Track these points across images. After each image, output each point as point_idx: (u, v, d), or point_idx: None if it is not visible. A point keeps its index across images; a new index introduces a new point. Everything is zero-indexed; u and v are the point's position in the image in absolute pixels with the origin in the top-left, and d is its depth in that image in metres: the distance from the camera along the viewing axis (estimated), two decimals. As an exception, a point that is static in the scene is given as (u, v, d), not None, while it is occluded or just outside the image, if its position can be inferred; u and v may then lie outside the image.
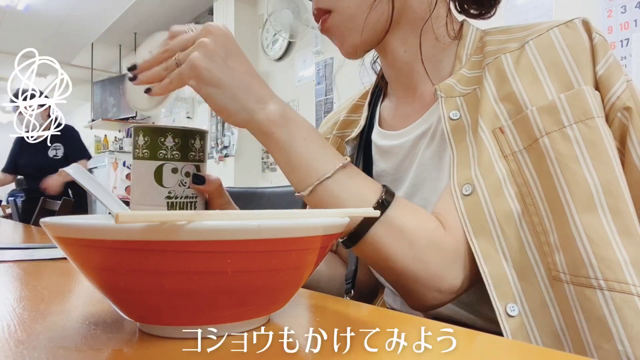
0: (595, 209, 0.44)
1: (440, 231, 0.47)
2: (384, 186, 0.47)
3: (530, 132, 0.48)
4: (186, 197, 0.47)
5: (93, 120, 5.54)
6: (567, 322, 0.45)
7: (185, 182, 0.47)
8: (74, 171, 0.36)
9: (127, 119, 5.36)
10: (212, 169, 4.17)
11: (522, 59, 0.51)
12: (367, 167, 0.65)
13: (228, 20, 3.92)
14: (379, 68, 0.69)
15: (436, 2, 0.57)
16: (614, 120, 0.48)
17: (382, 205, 0.45)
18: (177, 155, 0.47)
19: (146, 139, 0.46)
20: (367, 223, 0.45)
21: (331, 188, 0.45)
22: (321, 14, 0.57)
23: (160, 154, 0.46)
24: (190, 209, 0.48)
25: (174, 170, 0.46)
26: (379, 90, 0.70)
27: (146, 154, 0.46)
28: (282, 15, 3.30)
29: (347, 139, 0.67)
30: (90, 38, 5.42)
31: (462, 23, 0.61)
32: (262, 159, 4.03)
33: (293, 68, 3.62)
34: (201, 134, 0.48)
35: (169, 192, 0.46)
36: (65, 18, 4.81)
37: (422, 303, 0.48)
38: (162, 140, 0.46)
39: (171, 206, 0.47)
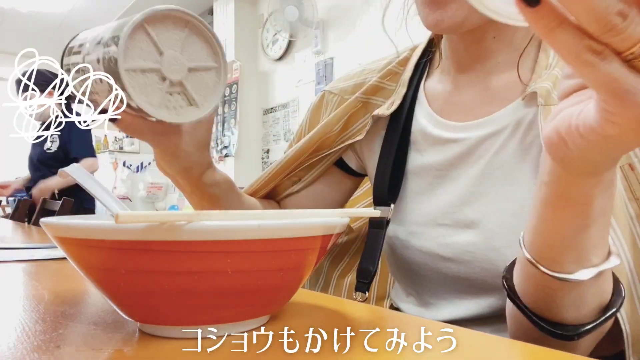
0: None
1: None
2: (615, 278, 0.38)
3: None
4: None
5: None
6: None
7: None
8: (74, 171, 0.36)
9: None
10: (212, 169, 4.16)
11: None
12: (401, 154, 0.57)
13: (228, 20, 3.92)
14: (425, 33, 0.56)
15: None
16: None
17: (617, 308, 0.36)
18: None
19: None
20: (587, 329, 0.35)
21: (582, 285, 0.34)
22: None
23: None
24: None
25: None
26: (424, 64, 0.59)
27: None
28: (285, 13, 3.29)
29: (375, 113, 0.57)
30: (90, 38, 5.42)
31: None
32: (262, 159, 4.02)
33: (293, 68, 3.61)
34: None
35: None
36: (65, 18, 4.81)
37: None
38: None
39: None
